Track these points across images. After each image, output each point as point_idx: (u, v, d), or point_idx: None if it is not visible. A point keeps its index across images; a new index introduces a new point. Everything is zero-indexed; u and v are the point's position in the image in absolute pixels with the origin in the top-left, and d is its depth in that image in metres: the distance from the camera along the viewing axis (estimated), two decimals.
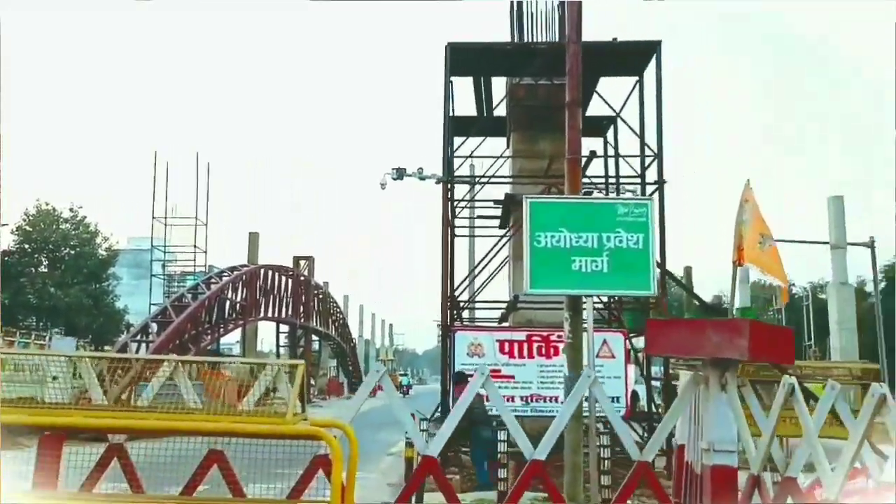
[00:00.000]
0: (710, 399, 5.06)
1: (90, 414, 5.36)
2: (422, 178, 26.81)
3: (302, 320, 41.51)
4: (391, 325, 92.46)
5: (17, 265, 42.73)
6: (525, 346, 13.24)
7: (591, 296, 9.38)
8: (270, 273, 35.68)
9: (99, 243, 46.24)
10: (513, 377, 13.15)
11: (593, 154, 14.23)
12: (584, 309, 9.29)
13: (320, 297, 46.40)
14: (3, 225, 41.74)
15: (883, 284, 32.41)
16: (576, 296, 9.48)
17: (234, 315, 30.61)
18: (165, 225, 33.07)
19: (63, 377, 5.80)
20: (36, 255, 44.27)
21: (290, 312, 40.11)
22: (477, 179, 15.60)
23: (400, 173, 26.80)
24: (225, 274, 30.22)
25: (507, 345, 13.24)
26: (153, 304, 30.88)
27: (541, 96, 15.73)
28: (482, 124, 16.64)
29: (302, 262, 43.40)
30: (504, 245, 15.24)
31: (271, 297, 36.01)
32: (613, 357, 12.83)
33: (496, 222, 18.47)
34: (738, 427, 5.09)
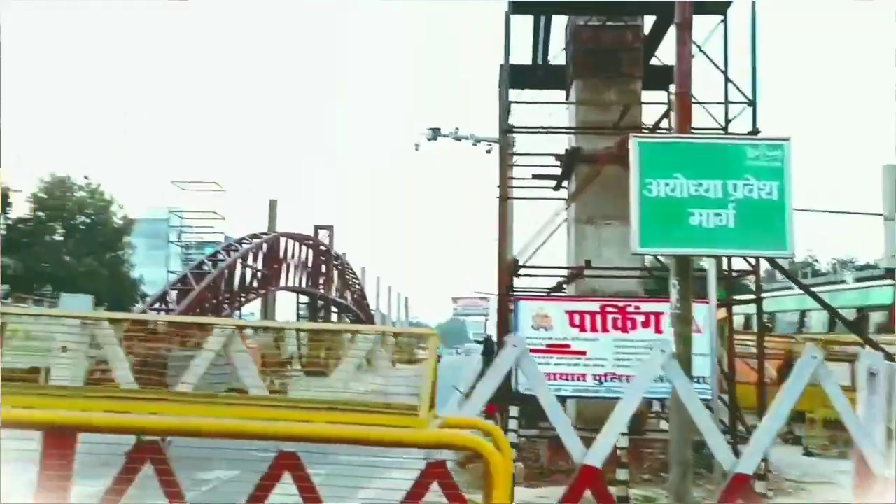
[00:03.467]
0: None
1: (115, 405, 3.85)
2: (457, 139, 25.26)
3: (322, 291, 40.17)
4: (406, 298, 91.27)
5: (32, 233, 41.67)
6: (598, 318, 11.68)
7: (713, 256, 7.80)
8: (290, 242, 34.24)
9: (114, 212, 45.19)
10: (584, 353, 11.60)
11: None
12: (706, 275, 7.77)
13: (339, 267, 45.03)
14: (17, 191, 40.62)
15: None
16: (695, 256, 7.95)
17: (254, 284, 29.22)
18: (183, 190, 31.63)
19: (77, 346, 4.30)
20: (51, 223, 43.20)
21: (309, 283, 38.77)
22: (541, 130, 13.91)
23: (435, 133, 25.26)
24: (245, 241, 28.77)
25: (577, 316, 11.68)
26: (171, 272, 29.47)
27: (607, 40, 14.02)
28: (537, 75, 14.99)
29: (322, 232, 41.96)
30: (562, 209, 13.60)
31: (291, 266, 34.60)
32: (699, 331, 11.20)
33: (545, 183, 16.81)
34: None
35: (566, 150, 14.61)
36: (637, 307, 11.60)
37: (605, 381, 11.48)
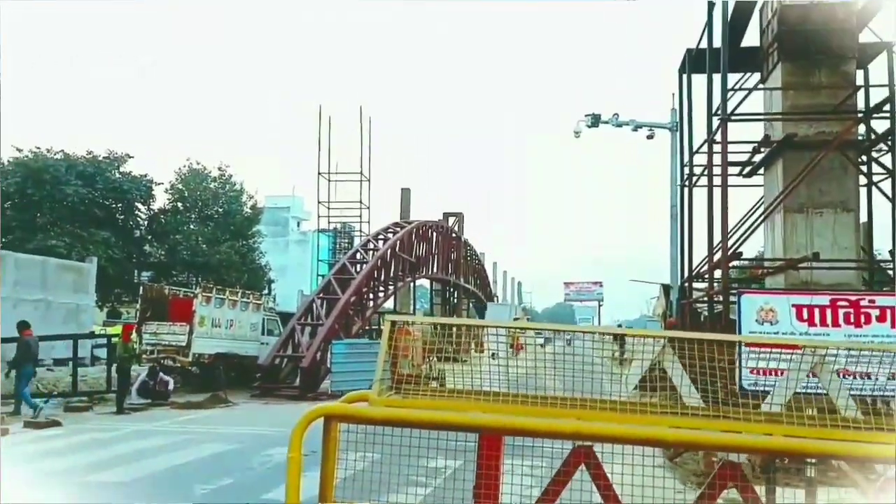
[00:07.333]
0: None
1: (536, 411, 3.93)
2: (618, 125, 24.83)
3: (453, 278, 40.59)
4: (520, 283, 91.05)
5: (172, 222, 43.83)
6: (829, 311, 11.25)
7: None
8: (427, 230, 34.73)
9: (244, 201, 46.97)
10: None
11: None
12: None
13: (467, 255, 45.42)
14: (159, 184, 42.70)
15: None
16: None
17: (399, 273, 29.79)
18: (329, 181, 32.51)
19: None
20: (188, 213, 45.29)
21: (439, 269, 39.24)
22: (759, 117, 13.48)
23: (595, 120, 24.91)
24: (390, 230, 29.35)
25: (805, 310, 11.30)
26: (320, 260, 30.42)
27: (816, 19, 13.42)
28: (726, 58, 14.48)
29: (451, 219, 42.38)
30: (778, 197, 13.12)
31: (431, 254, 35.10)
32: None
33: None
34: None
35: (765, 135, 14.14)
36: (871, 301, 11.09)
37: (839, 377, 11.05)
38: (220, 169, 45.05)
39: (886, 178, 14.03)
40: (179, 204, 45.04)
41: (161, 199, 44.01)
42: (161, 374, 18.00)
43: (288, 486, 3.35)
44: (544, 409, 4.00)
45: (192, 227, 45.02)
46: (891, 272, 14.07)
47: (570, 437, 3.48)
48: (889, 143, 13.39)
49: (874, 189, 14.35)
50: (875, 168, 14.29)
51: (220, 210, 45.65)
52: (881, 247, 17.39)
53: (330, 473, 3.67)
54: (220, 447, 12.47)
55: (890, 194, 13.84)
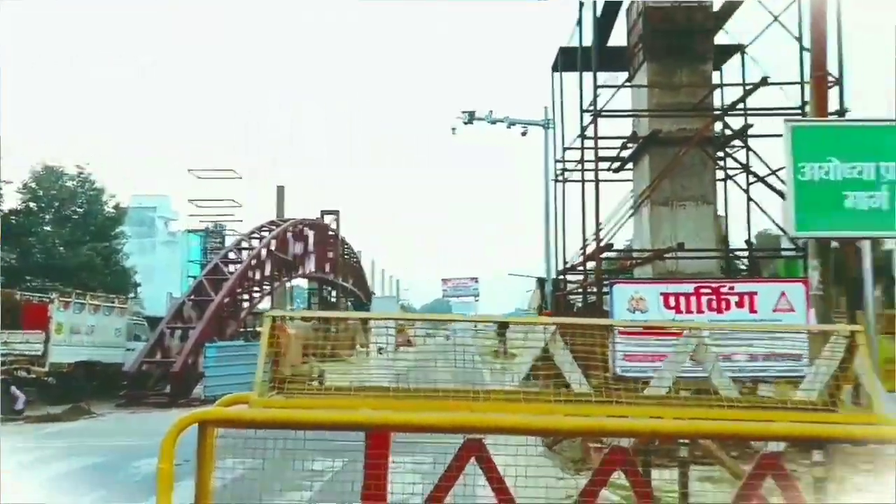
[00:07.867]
0: None
1: (426, 405, 3.86)
2: (492, 122, 25.15)
3: (331, 276, 40.03)
4: (398, 281, 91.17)
5: (24, 224, 40.78)
6: (693, 299, 11.83)
7: (868, 239, 7.97)
8: (303, 228, 34.05)
9: (105, 201, 44.41)
10: (680, 334, 11.74)
11: (764, 81, 12.61)
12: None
13: (344, 253, 44.94)
14: (8, 182, 39.69)
15: None
16: (852, 240, 8.11)
17: (274, 273, 29.01)
18: (199, 178, 31.24)
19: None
20: (42, 214, 42.33)
21: (317, 268, 38.55)
22: (628, 114, 13.96)
23: (471, 117, 25.10)
24: (264, 229, 28.55)
25: (672, 298, 11.83)
26: (190, 261, 29.16)
27: (679, 20, 14.09)
28: (597, 56, 14.98)
29: (328, 217, 41.75)
30: (645, 191, 13.70)
31: (308, 253, 34.42)
32: (793, 310, 11.42)
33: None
34: None
35: (633, 132, 14.73)
36: (731, 287, 11.75)
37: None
38: (78, 167, 42.35)
39: (741, 173, 14.95)
40: (32, 204, 41.94)
41: (11, 199, 40.79)
42: (13, 387, 16.66)
43: (158, 498, 3.09)
44: (436, 403, 3.91)
45: (47, 228, 42.07)
46: (746, 261, 15.00)
47: (464, 431, 3.39)
48: (743, 139, 14.26)
49: (730, 183, 15.27)
50: (730, 163, 15.20)
51: (80, 210, 42.89)
52: (736, 237, 18.52)
53: (206, 482, 3.43)
54: (84, 461, 11.67)
55: (744, 187, 14.79)
